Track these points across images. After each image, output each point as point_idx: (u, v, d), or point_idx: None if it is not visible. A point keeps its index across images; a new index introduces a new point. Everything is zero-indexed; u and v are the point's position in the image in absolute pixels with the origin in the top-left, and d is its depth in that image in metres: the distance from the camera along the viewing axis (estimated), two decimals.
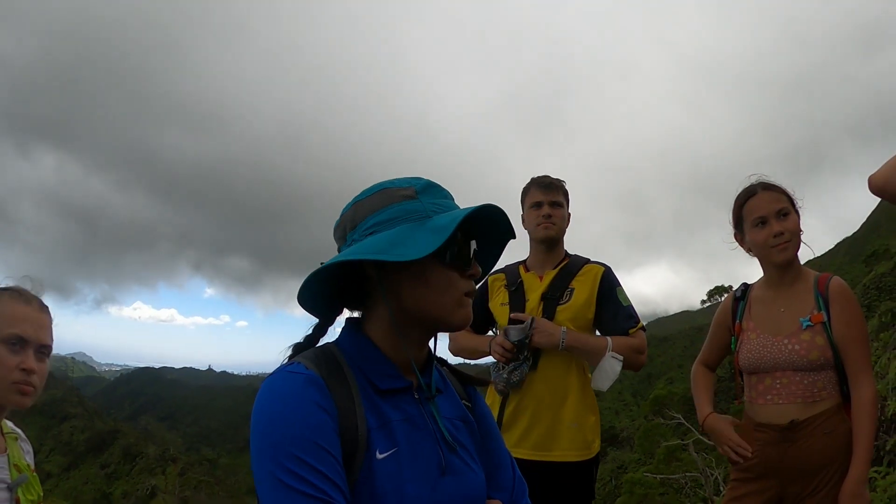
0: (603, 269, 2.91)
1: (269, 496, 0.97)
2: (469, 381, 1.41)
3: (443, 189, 1.22)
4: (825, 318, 2.28)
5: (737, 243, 2.55)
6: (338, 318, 1.28)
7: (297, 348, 1.22)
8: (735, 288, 2.63)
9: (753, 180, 2.49)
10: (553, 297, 2.84)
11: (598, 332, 2.94)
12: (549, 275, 2.91)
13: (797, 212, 2.42)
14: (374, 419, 1.10)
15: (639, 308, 2.94)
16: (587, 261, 2.97)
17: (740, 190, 2.51)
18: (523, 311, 2.82)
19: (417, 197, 1.16)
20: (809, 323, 2.30)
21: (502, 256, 1.36)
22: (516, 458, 2.71)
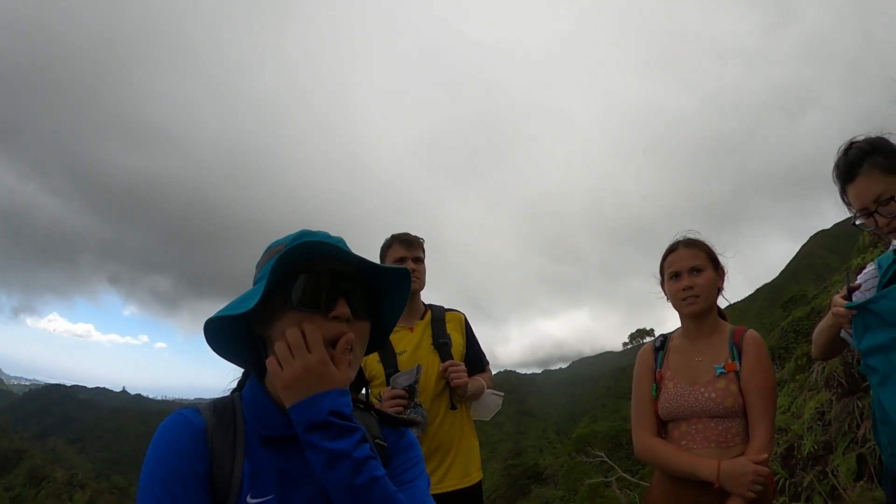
0: (463, 315, 3.27)
1: None
2: (389, 422, 1.36)
3: (318, 237, 1.20)
4: (738, 367, 2.37)
5: (663, 294, 2.65)
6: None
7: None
8: (654, 337, 2.73)
9: (679, 237, 2.62)
10: (445, 343, 3.04)
11: None
12: (421, 325, 3.11)
13: (718, 269, 2.54)
14: (252, 465, 1.13)
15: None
16: (443, 308, 3.24)
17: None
18: (394, 365, 2.94)
19: (284, 249, 1.15)
20: (723, 370, 2.38)
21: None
22: (444, 493, 2.82)
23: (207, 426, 1.14)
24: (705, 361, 2.45)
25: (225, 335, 1.24)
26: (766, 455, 2.25)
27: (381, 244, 3.25)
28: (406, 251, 3.11)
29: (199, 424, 1.14)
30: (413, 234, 3.22)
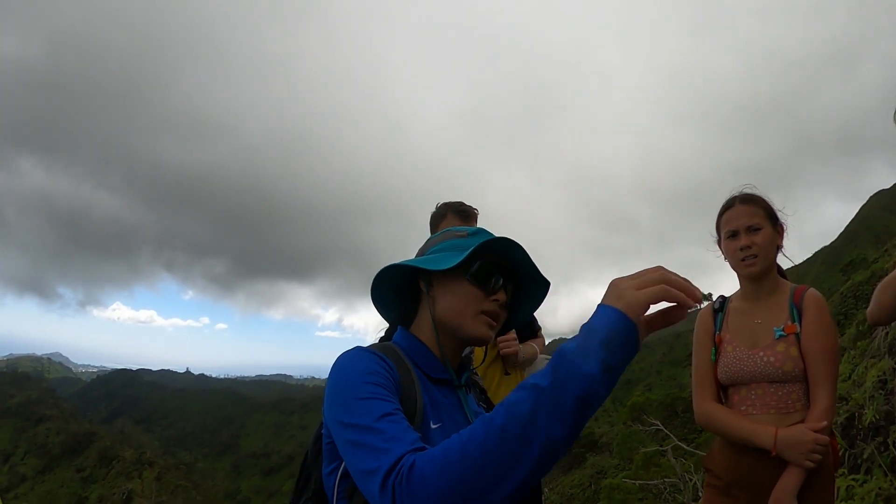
0: None
1: (338, 431, 1.17)
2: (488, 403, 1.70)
3: (492, 234, 1.49)
4: (798, 329, 2.30)
5: (720, 253, 2.58)
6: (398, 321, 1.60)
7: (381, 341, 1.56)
8: (714, 299, 2.62)
9: (736, 192, 2.53)
10: None
11: None
12: None
13: (777, 226, 2.46)
14: (428, 397, 1.37)
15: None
16: None
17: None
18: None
19: (467, 237, 1.51)
20: (783, 333, 2.32)
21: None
22: None
23: (391, 360, 1.35)
24: (765, 323, 2.38)
25: (385, 285, 1.52)
26: (826, 423, 2.18)
27: (425, 215, 3.19)
28: (461, 223, 3.02)
29: (383, 355, 1.34)
30: (467, 203, 3.11)
